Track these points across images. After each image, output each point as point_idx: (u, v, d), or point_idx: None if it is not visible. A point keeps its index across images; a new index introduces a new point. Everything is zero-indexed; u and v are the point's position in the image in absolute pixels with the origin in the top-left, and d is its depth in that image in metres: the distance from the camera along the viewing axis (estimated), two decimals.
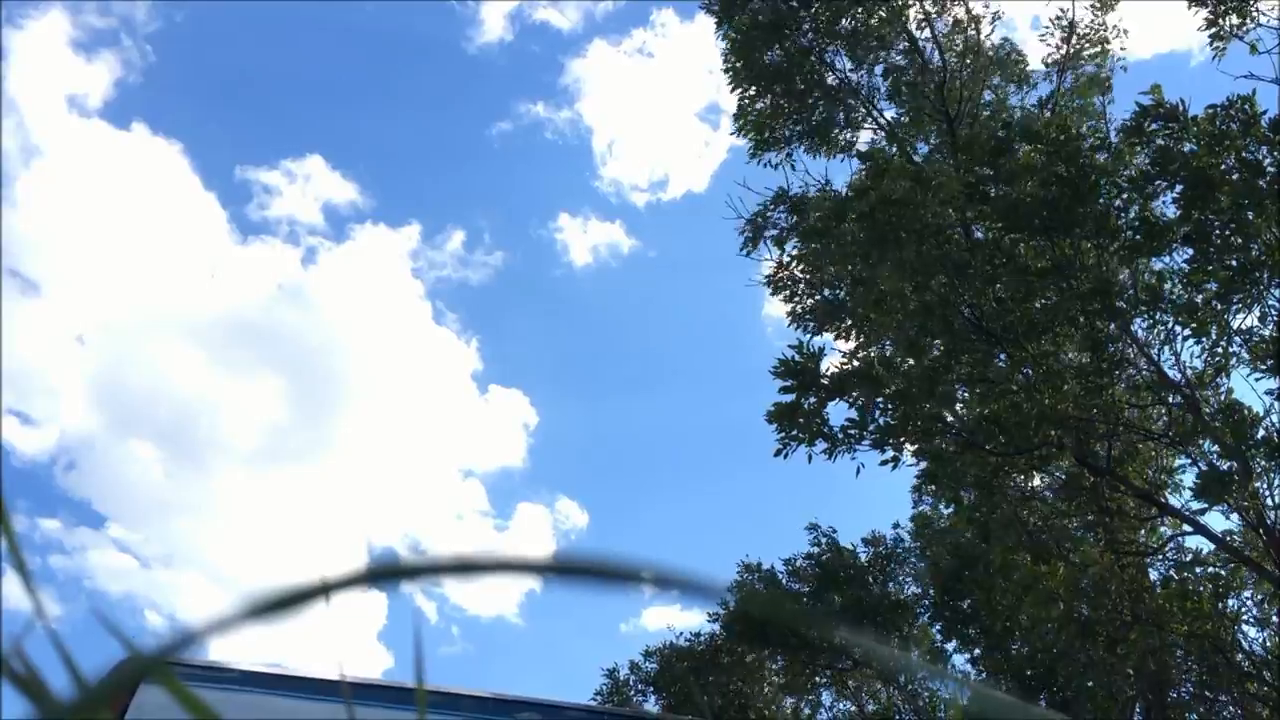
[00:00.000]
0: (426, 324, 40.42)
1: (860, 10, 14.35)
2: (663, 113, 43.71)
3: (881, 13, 14.44)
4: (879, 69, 15.17)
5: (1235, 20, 11.08)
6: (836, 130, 15.17)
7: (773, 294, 14.48)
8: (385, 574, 0.29)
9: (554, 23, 40.58)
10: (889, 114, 15.40)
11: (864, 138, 15.43)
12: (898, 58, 15.07)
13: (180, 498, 37.09)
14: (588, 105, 41.94)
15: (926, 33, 15.01)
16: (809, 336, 14.30)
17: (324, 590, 0.30)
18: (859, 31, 14.67)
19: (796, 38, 14.49)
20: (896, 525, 17.02)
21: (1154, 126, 9.85)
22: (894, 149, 14.35)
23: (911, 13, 14.78)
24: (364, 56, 42.46)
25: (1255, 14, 11.08)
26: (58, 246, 38.34)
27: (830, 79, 14.91)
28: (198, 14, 38.42)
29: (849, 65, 14.98)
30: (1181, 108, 9.86)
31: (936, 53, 14.84)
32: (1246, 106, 9.59)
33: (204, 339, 39.18)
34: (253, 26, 39.98)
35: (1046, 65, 15.02)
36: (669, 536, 38.52)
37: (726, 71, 14.82)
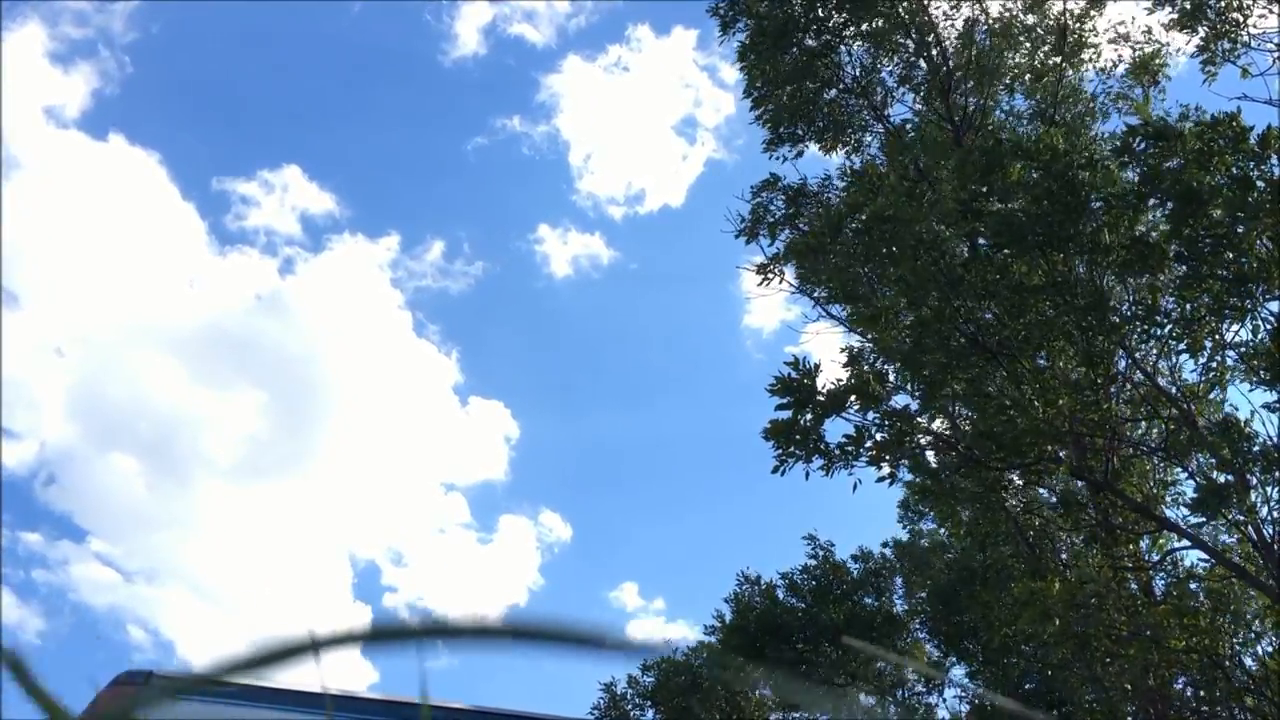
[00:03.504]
0: (407, 335, 40.35)
1: (868, 17, 14.37)
2: (638, 127, 43.90)
3: (896, 12, 14.37)
4: (887, 72, 15.26)
5: (1226, 45, 11.17)
6: (848, 132, 15.25)
7: (761, 283, 14.64)
8: (370, 637, 0.32)
9: (528, 37, 40.74)
10: (898, 116, 15.49)
11: (870, 140, 15.53)
12: (905, 52, 15.10)
13: (162, 511, 36.81)
14: (564, 120, 42.06)
15: (945, 30, 15.02)
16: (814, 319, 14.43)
17: (314, 648, 0.34)
18: (867, 33, 14.69)
19: (804, 40, 14.49)
20: (886, 544, 17.17)
21: (1143, 146, 9.93)
22: (885, 163, 14.40)
23: (932, 10, 14.77)
24: (339, 68, 42.59)
25: (1246, 38, 11.17)
26: (36, 258, 38.15)
27: (838, 82, 14.94)
28: (175, 25, 38.46)
29: (857, 70, 15.03)
30: (1170, 126, 9.94)
31: (941, 56, 14.88)
32: (1234, 124, 9.67)
33: (183, 351, 39.01)
34: (229, 38, 40.05)
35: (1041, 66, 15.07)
36: (656, 546, 38.47)
37: (742, 69, 14.79)
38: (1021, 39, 15.12)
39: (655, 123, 44.39)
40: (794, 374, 10.71)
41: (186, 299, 37.91)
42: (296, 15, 40.08)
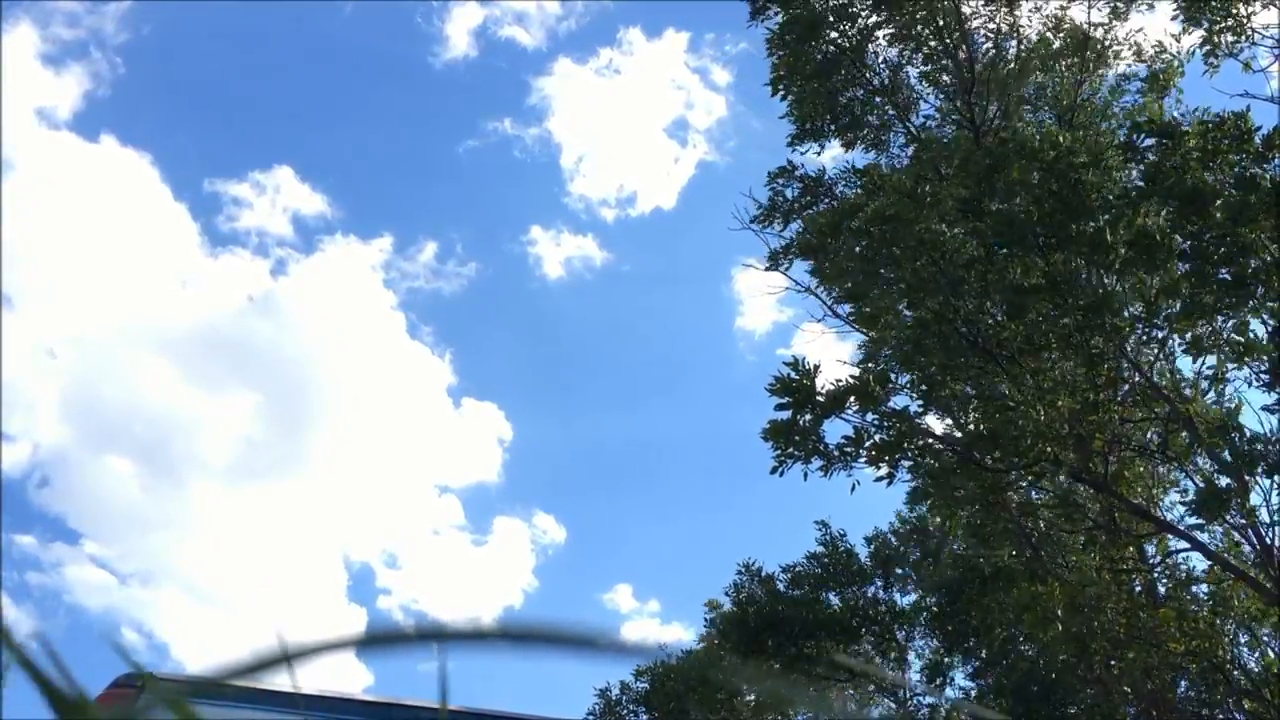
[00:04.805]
0: (400, 337, 40.30)
1: (899, 15, 14.35)
2: (630, 129, 43.98)
3: (929, 14, 14.33)
4: (913, 72, 15.27)
5: (1230, 38, 11.16)
6: (867, 131, 15.30)
7: (769, 268, 14.71)
8: (365, 642, 0.32)
9: (519, 40, 40.75)
10: (920, 115, 15.50)
11: (891, 139, 15.55)
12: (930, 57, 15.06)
13: (157, 513, 36.69)
14: (555, 122, 42.07)
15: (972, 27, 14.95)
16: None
17: (315, 652, 0.34)
18: (897, 33, 14.69)
19: (831, 35, 14.48)
20: (893, 530, 17.18)
21: (1148, 143, 9.92)
22: (895, 167, 14.39)
23: (963, 9, 14.72)
24: (331, 69, 42.60)
25: (1250, 32, 11.16)
26: (29, 259, 38.04)
27: (864, 80, 14.93)
28: (166, 26, 38.44)
29: (884, 69, 15.02)
30: (1174, 123, 9.93)
31: (970, 60, 14.82)
32: (1240, 123, 9.64)
33: (177, 352, 38.91)
34: (221, 39, 40.04)
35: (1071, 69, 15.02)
36: (650, 548, 38.48)
37: (771, 55, 14.77)
38: (1038, 67, 15.11)
39: (647, 125, 44.52)
40: (793, 374, 10.71)
41: (179, 300, 37.89)
42: (288, 17, 40.14)
